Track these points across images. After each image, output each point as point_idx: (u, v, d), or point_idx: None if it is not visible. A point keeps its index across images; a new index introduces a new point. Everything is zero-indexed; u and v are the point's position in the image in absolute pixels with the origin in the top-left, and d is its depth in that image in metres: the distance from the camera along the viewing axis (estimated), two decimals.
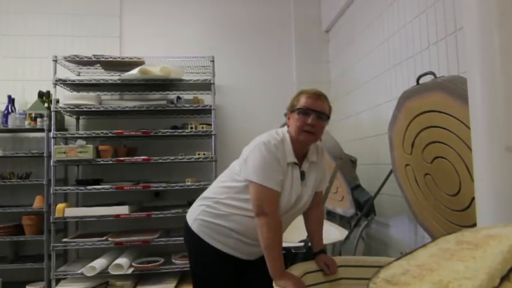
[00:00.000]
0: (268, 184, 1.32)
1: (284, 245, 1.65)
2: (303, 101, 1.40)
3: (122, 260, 2.57)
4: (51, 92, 2.83)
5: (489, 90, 0.89)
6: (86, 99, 2.78)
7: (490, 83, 0.88)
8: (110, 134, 2.76)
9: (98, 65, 2.91)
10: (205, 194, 1.53)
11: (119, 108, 2.77)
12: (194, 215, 1.49)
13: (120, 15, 3.25)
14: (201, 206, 1.49)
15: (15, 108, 2.86)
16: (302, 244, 1.75)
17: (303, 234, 1.72)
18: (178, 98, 2.87)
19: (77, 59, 2.78)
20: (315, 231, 1.58)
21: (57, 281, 2.60)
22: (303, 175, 1.44)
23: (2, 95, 2.92)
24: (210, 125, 2.84)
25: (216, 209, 1.43)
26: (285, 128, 1.48)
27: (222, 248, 1.42)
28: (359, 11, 2.65)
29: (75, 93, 2.97)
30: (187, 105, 2.85)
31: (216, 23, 3.34)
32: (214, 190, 1.50)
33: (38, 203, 2.76)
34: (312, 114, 1.38)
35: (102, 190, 2.70)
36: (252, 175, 1.34)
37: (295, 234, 1.91)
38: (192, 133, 2.84)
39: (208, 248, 1.43)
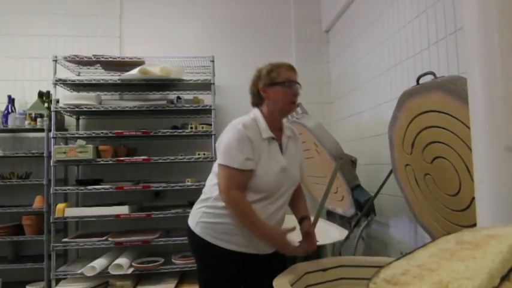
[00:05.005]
0: (229, 163, 1.36)
1: None
2: (284, 74, 1.48)
3: (122, 260, 2.57)
4: (51, 92, 2.83)
5: (489, 90, 0.89)
6: (86, 99, 2.78)
7: (490, 83, 0.88)
8: (110, 134, 2.76)
9: (98, 65, 2.91)
10: (201, 196, 1.54)
11: (119, 108, 2.77)
12: (195, 219, 1.49)
13: (120, 15, 3.25)
14: (200, 208, 1.49)
15: (15, 108, 2.86)
16: None
17: None
18: (178, 98, 2.87)
19: (77, 59, 2.78)
20: (295, 201, 1.63)
21: (57, 281, 2.60)
22: (281, 147, 1.49)
23: (2, 95, 2.92)
24: (210, 125, 2.84)
25: (214, 208, 1.44)
26: (255, 109, 1.53)
27: (229, 246, 1.42)
28: (359, 11, 2.65)
29: (75, 93, 2.98)
30: (187, 105, 2.85)
31: (216, 23, 3.35)
32: (207, 190, 1.51)
33: (38, 203, 2.76)
34: (295, 86, 1.49)
35: (102, 190, 2.70)
36: (219, 158, 1.41)
37: (295, 235, 1.91)
38: (192, 133, 2.84)
39: (215, 249, 1.42)
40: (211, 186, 1.48)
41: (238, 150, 1.37)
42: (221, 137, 1.46)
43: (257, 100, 1.54)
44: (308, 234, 1.52)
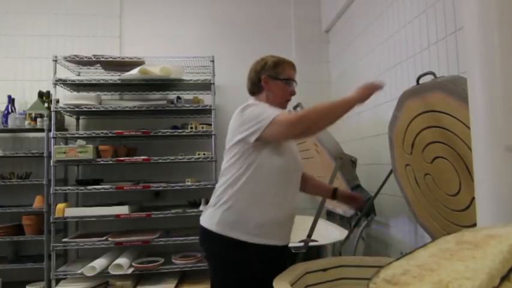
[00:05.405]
0: (270, 118, 1.31)
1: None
2: (288, 72, 1.53)
3: (122, 260, 2.57)
4: (51, 92, 2.83)
5: (489, 90, 0.89)
6: (86, 99, 2.78)
7: (490, 83, 0.88)
8: (110, 134, 2.76)
9: (98, 65, 2.91)
10: (213, 200, 1.45)
11: (119, 108, 2.77)
12: (215, 219, 1.39)
13: (120, 15, 3.25)
14: (218, 208, 1.40)
15: (15, 108, 2.86)
16: (302, 244, 1.75)
17: (303, 234, 1.72)
18: (178, 98, 2.87)
19: (77, 59, 2.78)
20: (313, 182, 1.72)
21: (57, 281, 2.60)
22: None
23: (2, 95, 2.92)
24: (210, 125, 2.84)
25: (237, 201, 1.37)
26: (251, 99, 1.54)
27: (263, 240, 1.36)
28: (359, 11, 2.65)
29: (75, 93, 2.98)
30: (187, 105, 2.85)
31: (216, 23, 3.35)
32: (222, 192, 1.42)
33: (38, 203, 2.76)
34: (293, 85, 1.54)
35: (102, 190, 2.70)
36: (258, 126, 1.33)
37: (295, 234, 1.92)
38: (192, 133, 2.84)
39: (242, 246, 1.35)
40: (221, 186, 1.43)
41: (269, 109, 1.37)
42: (237, 124, 1.40)
43: (255, 89, 1.56)
44: (351, 195, 1.74)
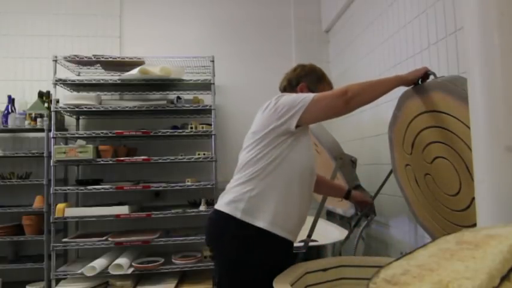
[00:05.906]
0: (309, 99, 1.31)
1: None
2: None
3: (122, 260, 2.57)
4: (51, 92, 2.83)
5: (489, 90, 0.89)
6: (86, 99, 2.78)
7: (490, 83, 0.88)
8: (110, 134, 2.76)
9: (98, 65, 2.91)
10: (238, 187, 1.37)
11: (119, 108, 2.77)
12: (240, 206, 1.32)
13: (120, 15, 3.25)
14: (243, 196, 1.34)
15: (15, 108, 2.86)
16: (302, 244, 1.75)
17: (303, 234, 1.72)
18: (178, 98, 2.87)
19: (77, 59, 2.78)
20: (326, 183, 1.77)
21: (57, 281, 2.60)
22: None
23: (2, 95, 2.92)
24: (210, 125, 2.84)
25: (266, 192, 1.33)
26: None
27: (287, 235, 1.35)
28: (359, 11, 2.65)
29: (75, 93, 2.98)
30: (187, 105, 2.85)
31: (216, 23, 3.35)
32: (247, 180, 1.36)
33: (38, 203, 2.76)
34: None
35: (102, 190, 2.70)
36: (297, 108, 1.32)
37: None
38: (192, 133, 2.84)
39: (273, 239, 1.31)
40: (245, 176, 1.37)
41: (304, 93, 1.39)
42: (270, 110, 1.37)
43: (288, 88, 1.59)
44: (363, 201, 1.84)
